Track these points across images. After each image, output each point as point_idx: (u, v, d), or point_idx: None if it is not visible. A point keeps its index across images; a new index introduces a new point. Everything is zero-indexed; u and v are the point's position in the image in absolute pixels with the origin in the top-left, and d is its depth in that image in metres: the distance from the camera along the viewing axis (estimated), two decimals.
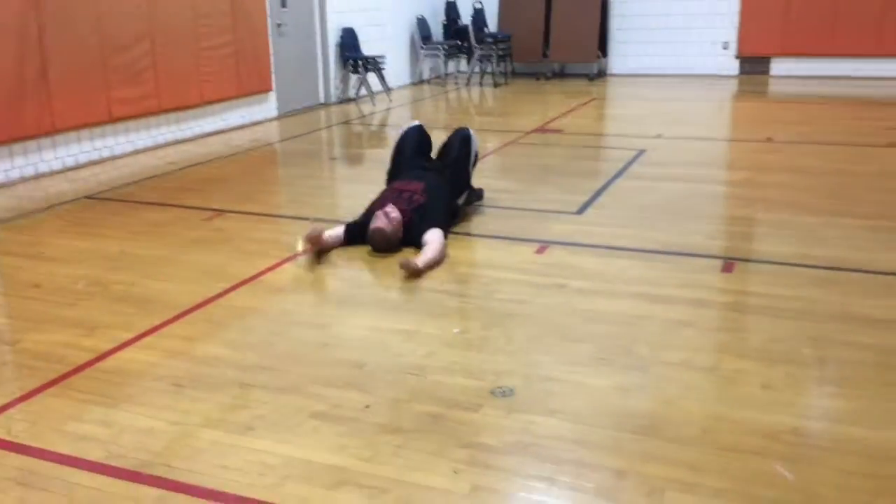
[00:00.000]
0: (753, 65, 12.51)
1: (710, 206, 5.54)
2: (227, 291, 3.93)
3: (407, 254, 4.31)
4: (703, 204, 5.51)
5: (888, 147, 7.12)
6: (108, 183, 6.39)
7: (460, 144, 5.04)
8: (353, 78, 10.77)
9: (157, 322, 3.56)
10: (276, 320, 3.59)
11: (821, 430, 2.61)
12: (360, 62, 10.53)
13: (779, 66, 12.40)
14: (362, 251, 4.48)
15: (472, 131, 5.14)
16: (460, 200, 5.02)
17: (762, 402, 2.77)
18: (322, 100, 10.45)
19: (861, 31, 11.69)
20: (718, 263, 4.21)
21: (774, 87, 11.72)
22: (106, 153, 7.20)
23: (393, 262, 4.25)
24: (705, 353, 3.18)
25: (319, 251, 4.38)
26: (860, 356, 3.09)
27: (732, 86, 11.82)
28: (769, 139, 7.66)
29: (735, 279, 4.01)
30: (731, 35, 12.44)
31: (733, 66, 12.57)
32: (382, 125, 9.48)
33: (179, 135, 8.00)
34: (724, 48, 12.53)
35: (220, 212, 5.38)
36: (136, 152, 7.48)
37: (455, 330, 3.44)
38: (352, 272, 4.28)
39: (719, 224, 5.19)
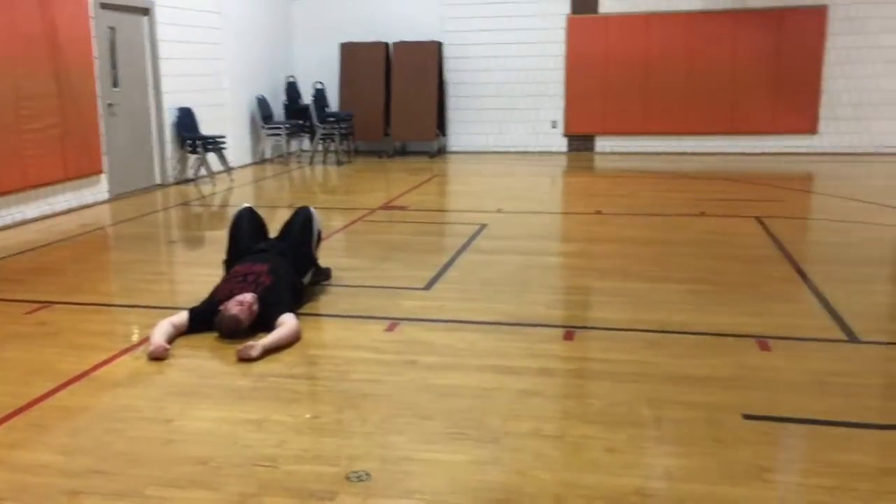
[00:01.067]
0: (580, 142, 13.42)
1: (549, 277, 5.80)
2: (55, 390, 3.63)
3: (258, 338, 4.19)
4: (543, 275, 5.76)
5: (699, 216, 7.79)
6: None
7: (302, 224, 5.03)
8: (192, 158, 10.52)
9: None
10: (111, 418, 3.35)
11: (664, 489, 2.74)
12: (198, 142, 10.32)
13: (603, 143, 13.37)
14: (206, 338, 4.31)
15: (313, 210, 5.15)
16: (306, 280, 4.98)
17: (608, 466, 2.88)
18: (158, 181, 10.10)
19: (670, 112, 12.88)
20: (560, 332, 4.39)
21: (600, 162, 12.59)
22: None
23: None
24: (553, 421, 3.28)
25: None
26: (692, 414, 3.30)
27: (562, 162, 12.58)
28: (598, 212, 8.17)
29: (576, 346, 4.19)
30: (559, 115, 13.31)
31: (562, 144, 13.42)
32: (224, 206, 9.27)
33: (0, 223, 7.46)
34: (553, 127, 13.37)
35: (46, 304, 5.02)
36: None
37: (307, 415, 3.35)
38: (195, 361, 4.09)
39: (558, 294, 5.44)
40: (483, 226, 7.31)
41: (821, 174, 11.16)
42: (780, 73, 12.53)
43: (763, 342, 4.10)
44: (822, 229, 7.57)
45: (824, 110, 12.55)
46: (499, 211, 8.21)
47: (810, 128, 12.63)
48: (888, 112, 12.40)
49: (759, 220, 7.41)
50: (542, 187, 10.59)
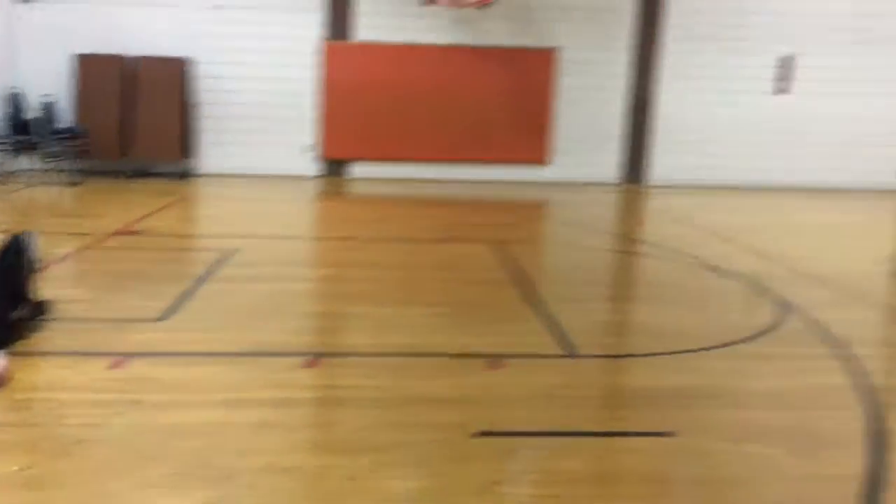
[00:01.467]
0: (335, 167, 13.48)
1: (298, 304, 5.71)
2: None
3: None
4: (291, 302, 5.66)
5: (443, 242, 8.14)
6: None
7: (12, 254, 4.52)
8: None
9: None
10: None
11: None
12: None
13: (359, 169, 13.55)
14: None
15: (27, 237, 4.65)
16: (15, 315, 4.46)
17: (350, 494, 2.87)
18: None
19: (422, 140, 13.41)
20: (303, 360, 4.32)
21: (355, 188, 12.74)
22: None
23: None
24: (290, 453, 3.20)
25: None
26: (430, 436, 3.39)
27: (317, 186, 12.55)
28: (351, 237, 8.23)
29: (319, 374, 4.15)
30: (315, 138, 13.28)
31: (317, 168, 13.39)
32: None
33: None
34: (308, 151, 13.31)
35: None
36: None
37: (15, 467, 2.99)
38: None
39: (306, 321, 5.37)
40: (231, 252, 7.05)
41: (552, 202, 12.16)
42: (517, 107, 13.53)
43: (494, 361, 4.34)
44: (550, 253, 8.25)
45: (557, 143, 13.72)
46: (249, 237, 7.98)
47: (543, 158, 13.74)
48: (610, 146, 13.86)
49: (496, 244, 7.88)
50: (295, 212, 10.47)
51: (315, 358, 4.35)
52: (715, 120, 14.01)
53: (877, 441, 3.45)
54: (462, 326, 5.07)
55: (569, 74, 13.58)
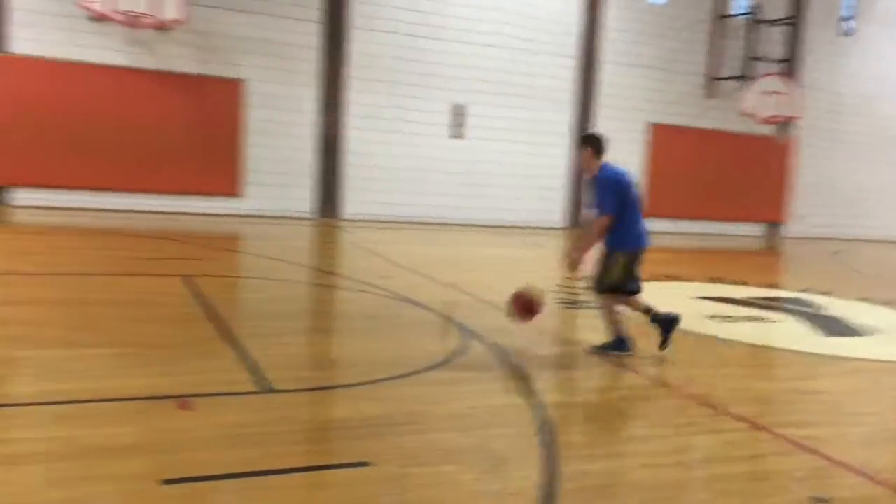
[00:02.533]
0: None
1: None
2: None
3: None
4: None
5: (127, 276, 7.53)
6: None
7: None
8: None
9: None
10: None
11: None
12: None
13: (19, 196, 12.06)
14: None
15: None
16: None
17: None
18: None
19: (98, 167, 12.35)
20: None
21: (14, 217, 11.30)
22: None
23: None
24: None
25: None
26: (109, 488, 3.06)
27: None
28: (9, 272, 7.26)
29: None
30: None
31: None
32: None
33: None
34: None
35: None
36: None
37: None
38: None
39: None
40: None
41: (246, 235, 11.90)
42: (204, 137, 13.09)
43: (183, 402, 4.06)
44: (245, 287, 8.02)
45: (250, 175, 13.48)
46: None
47: (235, 191, 13.42)
48: (303, 180, 13.95)
49: (186, 278, 7.47)
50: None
51: None
52: (399, 159, 14.81)
53: (549, 454, 3.82)
54: (148, 367, 4.69)
55: (258, 107, 13.47)
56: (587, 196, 6.00)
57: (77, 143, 12.19)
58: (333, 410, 4.36)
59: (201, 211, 13.02)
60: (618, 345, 5.66)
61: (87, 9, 11.26)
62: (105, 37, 12.20)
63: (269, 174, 13.55)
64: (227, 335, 5.57)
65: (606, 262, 5.66)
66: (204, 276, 7.77)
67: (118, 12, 11.14)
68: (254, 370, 4.75)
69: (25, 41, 11.87)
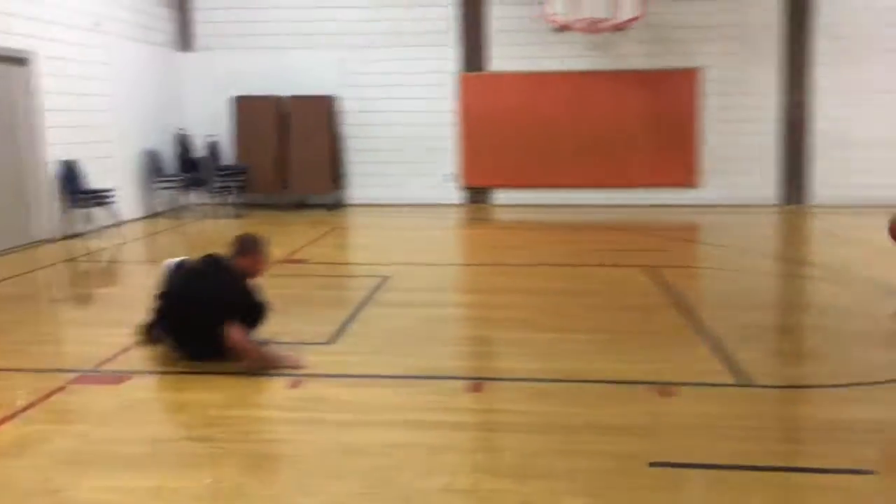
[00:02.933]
0: (477, 195, 13.66)
1: (453, 329, 5.80)
2: None
3: None
4: (447, 327, 5.75)
5: (595, 267, 8.02)
6: None
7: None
8: (79, 213, 10.04)
9: None
10: None
11: None
12: (84, 196, 9.87)
13: (499, 196, 13.66)
14: (97, 402, 4.05)
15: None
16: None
17: None
18: (39, 237, 9.55)
19: (562, 166, 13.34)
20: (467, 384, 4.37)
21: (497, 214, 12.84)
22: None
23: (131, 413, 3.89)
24: (464, 475, 3.23)
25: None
26: (604, 464, 3.33)
27: (460, 214, 12.75)
28: (499, 263, 8.28)
29: (484, 398, 4.18)
30: (455, 167, 13.52)
31: (459, 196, 13.61)
32: (112, 262, 8.87)
33: None
34: (449, 179, 13.56)
35: None
36: None
37: (207, 480, 3.18)
38: (84, 427, 3.83)
39: (463, 345, 5.44)
40: (384, 278, 7.27)
41: (703, 225, 11.75)
42: (661, 129, 13.21)
43: (664, 389, 4.21)
44: (709, 277, 7.93)
45: (708, 164, 13.26)
46: (399, 263, 8.20)
47: (692, 181, 13.32)
48: (765, 166, 13.25)
49: (650, 269, 7.68)
50: (442, 239, 10.66)
51: (479, 382, 4.39)
52: (876, 137, 13.09)
53: None
54: (624, 353, 4.96)
55: (715, 94, 13.14)
56: None
57: (545, 146, 13.35)
58: (821, 410, 4.09)
59: (661, 203, 13.23)
60: None
61: (552, 22, 12.24)
62: (567, 46, 13.14)
63: (729, 161, 13.17)
64: (698, 325, 5.59)
65: None
66: (667, 266, 7.90)
67: (579, 20, 11.88)
68: (729, 362, 4.70)
69: (501, 59, 13.41)
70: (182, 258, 5.31)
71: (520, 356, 4.96)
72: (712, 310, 6.24)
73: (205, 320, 4.53)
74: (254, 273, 4.95)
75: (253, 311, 4.75)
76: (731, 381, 4.40)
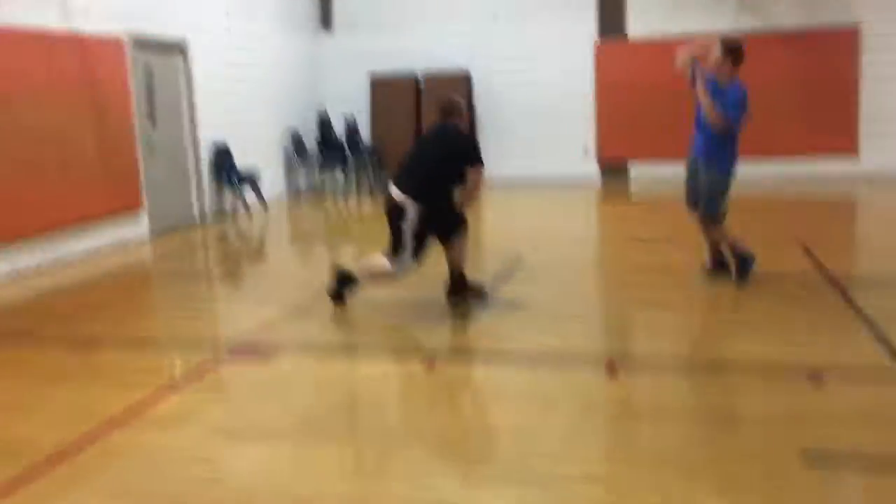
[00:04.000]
0: (613, 169, 13.31)
1: (590, 308, 5.71)
2: (100, 431, 3.64)
3: None
4: (584, 306, 5.67)
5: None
6: None
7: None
8: (229, 192, 10.64)
9: (15, 473, 3.23)
10: (157, 459, 3.35)
11: None
12: (234, 176, 10.45)
13: (637, 170, 13.25)
14: (247, 374, 4.31)
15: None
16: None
17: None
18: (197, 216, 10.21)
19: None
20: (603, 366, 4.30)
21: (634, 189, 12.48)
22: None
23: (280, 386, 4.11)
24: (599, 463, 3.20)
25: None
26: (748, 455, 3.18)
27: (596, 189, 12.50)
28: (638, 239, 8.06)
29: (623, 382, 4.10)
30: (590, 140, 13.23)
31: (595, 171, 13.31)
32: (261, 240, 9.35)
33: (43, 260, 7.56)
34: (585, 153, 13.29)
35: (91, 342, 5.06)
36: None
37: (349, 456, 3.31)
38: (235, 399, 4.08)
39: (601, 326, 5.35)
40: (520, 255, 7.25)
41: (864, 198, 10.95)
42: (816, 92, 12.36)
43: (815, 373, 3.98)
44: (869, 255, 7.39)
45: (865, 130, 12.32)
46: (535, 240, 8.16)
47: (850, 148, 12.41)
48: None
49: (803, 246, 7.25)
50: (577, 215, 10.51)
51: (617, 364, 4.31)
52: None
53: None
54: (771, 334, 4.72)
55: (874, 51, 12.12)
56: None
57: (683, 116, 12.76)
58: None
59: (810, 174, 12.43)
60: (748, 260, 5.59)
61: None
62: (715, 8, 12.50)
63: (887, 124, 12.15)
64: (856, 307, 5.23)
65: (720, 184, 5.75)
66: (819, 242, 7.42)
67: None
68: (886, 344, 4.37)
69: (642, 23, 12.92)
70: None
71: (659, 338, 4.83)
72: (870, 290, 5.81)
73: (453, 170, 5.26)
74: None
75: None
76: (889, 363, 4.10)
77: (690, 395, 3.84)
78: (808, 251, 7.01)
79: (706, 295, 5.79)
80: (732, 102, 5.53)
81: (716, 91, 5.60)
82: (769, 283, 6.04)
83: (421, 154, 5.49)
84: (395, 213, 5.17)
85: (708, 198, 5.82)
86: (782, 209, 9.77)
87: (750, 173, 12.53)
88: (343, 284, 5.44)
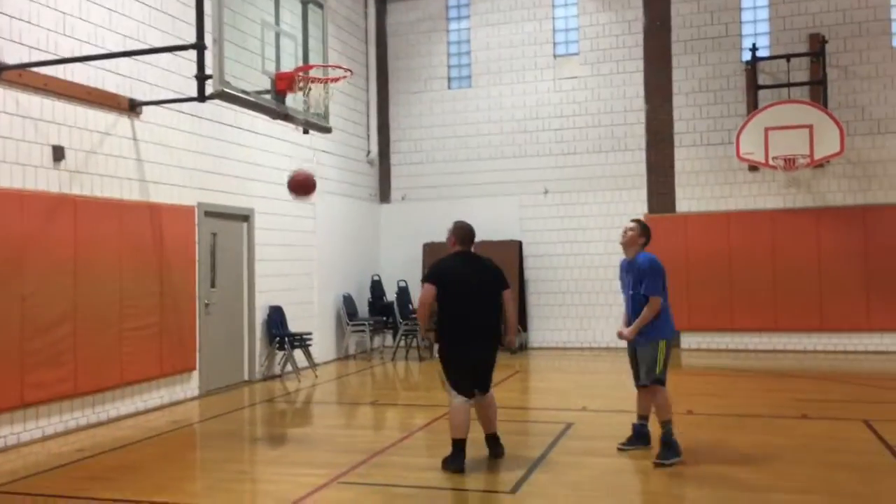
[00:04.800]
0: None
1: (643, 483, 5.47)
2: None
3: None
4: (635, 480, 5.45)
5: (801, 419, 7.36)
6: (10, 474, 5.90)
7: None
8: (279, 354, 10.77)
9: None
10: None
11: None
12: (286, 339, 10.61)
13: (688, 340, 13.08)
14: None
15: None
16: None
17: None
18: (246, 377, 10.31)
19: (757, 308, 12.63)
20: None
21: (686, 359, 12.24)
22: (11, 440, 6.76)
23: None
24: None
25: None
26: None
27: None
28: (690, 412, 7.82)
29: None
30: None
31: None
32: (307, 402, 9.33)
33: (93, 419, 7.64)
34: None
35: (133, 503, 5.00)
36: (45, 438, 7.04)
37: None
38: None
39: (655, 496, 5.10)
40: (569, 425, 7.08)
41: None
42: (869, 268, 12.27)
43: None
44: None
45: None
46: (584, 409, 7.98)
47: None
48: None
49: (866, 423, 6.94)
50: (626, 384, 10.25)
51: None
52: None
53: None
54: None
55: None
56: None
57: (739, 287, 12.75)
58: None
59: (872, 349, 12.09)
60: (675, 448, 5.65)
61: (748, 161, 12.03)
62: (762, 185, 12.78)
63: None
64: None
65: (653, 352, 5.79)
66: (887, 420, 7.10)
67: (778, 158, 11.57)
68: None
69: (689, 200, 13.25)
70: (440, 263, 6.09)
71: None
72: None
73: (496, 297, 5.84)
74: None
75: None
76: None
77: None
78: (872, 427, 6.69)
79: (768, 471, 5.50)
80: (650, 275, 5.94)
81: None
82: (835, 462, 5.75)
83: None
84: None
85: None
86: (840, 384, 9.43)
87: (807, 345, 12.31)
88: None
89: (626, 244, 6.08)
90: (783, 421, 7.31)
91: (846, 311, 12.30)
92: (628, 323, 5.98)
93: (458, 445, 5.61)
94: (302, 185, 7.12)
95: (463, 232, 6.03)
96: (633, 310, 5.96)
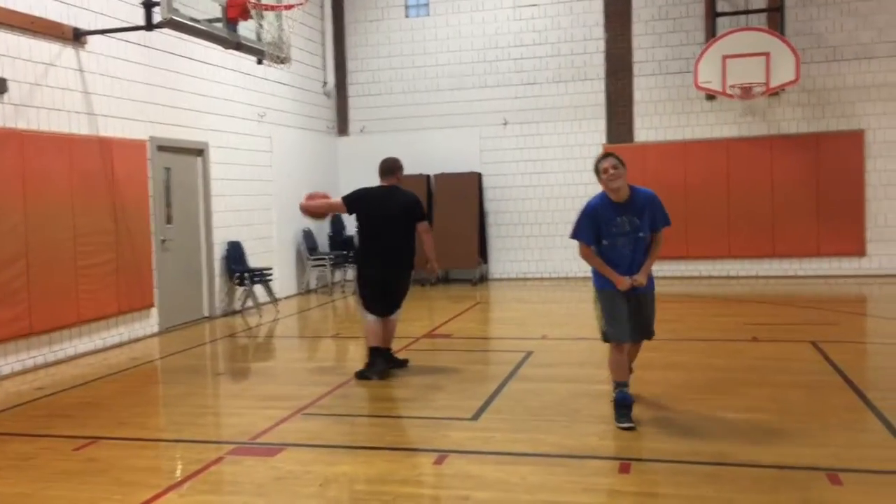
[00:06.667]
0: None
1: (600, 406, 5.61)
2: None
3: None
4: (593, 404, 5.59)
5: (751, 342, 7.60)
6: None
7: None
8: (239, 290, 10.72)
9: None
10: None
11: None
12: (245, 275, 10.55)
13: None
14: (257, 468, 4.23)
15: None
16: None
17: None
18: (206, 313, 10.26)
19: (711, 236, 12.88)
20: (615, 464, 4.22)
21: None
22: None
23: (284, 484, 4.03)
24: None
25: None
26: None
27: None
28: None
29: (633, 480, 4.02)
30: None
31: None
32: (269, 337, 9.35)
33: (51, 357, 7.58)
34: None
35: (94, 439, 5.01)
36: (2, 378, 6.97)
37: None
38: (239, 497, 4.00)
39: (610, 423, 5.25)
40: (528, 353, 7.22)
41: (873, 297, 10.92)
42: (822, 196, 12.53)
43: (833, 475, 3.88)
44: (883, 353, 7.31)
45: (872, 232, 12.42)
46: (543, 338, 8.14)
47: (858, 250, 12.47)
48: None
49: (814, 344, 7.20)
50: (586, 313, 10.46)
51: (626, 462, 4.23)
52: None
53: None
54: (786, 435, 4.63)
55: (879, 157, 12.37)
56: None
57: (694, 216, 12.95)
58: None
59: (822, 273, 12.46)
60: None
61: (706, 90, 12.05)
62: (719, 114, 12.85)
63: (894, 228, 12.25)
64: (868, 406, 5.14)
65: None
66: (833, 341, 7.37)
67: (735, 86, 11.60)
68: None
69: (647, 130, 13.30)
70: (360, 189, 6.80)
71: (669, 436, 4.74)
72: (887, 390, 5.73)
73: (408, 227, 6.42)
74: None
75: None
76: None
77: (702, 494, 3.73)
78: (819, 348, 6.95)
79: (718, 392, 5.70)
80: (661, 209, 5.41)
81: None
82: (782, 382, 5.97)
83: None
84: None
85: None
86: (790, 308, 9.73)
87: (756, 271, 12.63)
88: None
89: (620, 186, 5.21)
90: (734, 344, 7.53)
91: (798, 238, 12.61)
92: (628, 272, 5.17)
93: (374, 352, 6.37)
94: (309, 212, 7.35)
95: (383, 165, 6.82)
96: (639, 253, 5.18)
